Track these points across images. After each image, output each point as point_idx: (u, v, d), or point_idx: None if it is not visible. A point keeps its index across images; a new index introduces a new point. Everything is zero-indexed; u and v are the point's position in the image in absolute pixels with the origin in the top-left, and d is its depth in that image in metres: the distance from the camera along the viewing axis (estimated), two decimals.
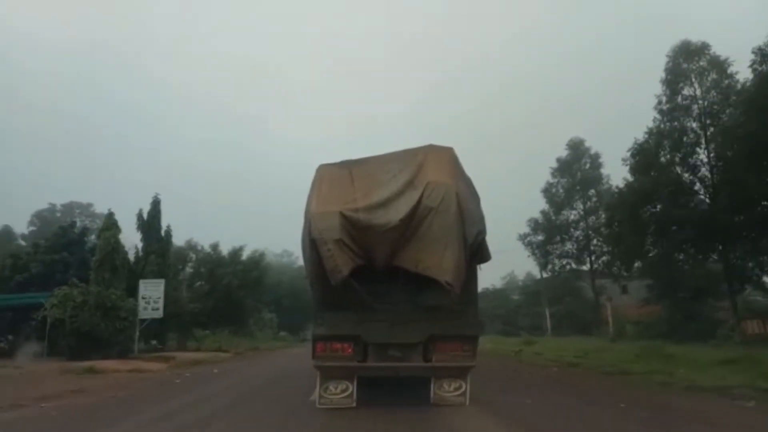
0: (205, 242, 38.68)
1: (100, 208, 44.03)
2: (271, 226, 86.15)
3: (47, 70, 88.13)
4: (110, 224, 20.81)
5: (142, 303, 19.85)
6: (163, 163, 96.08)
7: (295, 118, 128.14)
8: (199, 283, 37.37)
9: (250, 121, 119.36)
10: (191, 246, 37.88)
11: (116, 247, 20.13)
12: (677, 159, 21.94)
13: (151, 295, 20.02)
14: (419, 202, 6.13)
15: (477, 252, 6.54)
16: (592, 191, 34.81)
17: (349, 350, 6.51)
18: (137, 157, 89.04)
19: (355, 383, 6.56)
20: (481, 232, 6.53)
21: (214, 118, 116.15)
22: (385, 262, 6.24)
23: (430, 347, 6.57)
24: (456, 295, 5.95)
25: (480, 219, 6.73)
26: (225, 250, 38.25)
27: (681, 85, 23.34)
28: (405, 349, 6.64)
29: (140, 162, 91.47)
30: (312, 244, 6.11)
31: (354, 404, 6.50)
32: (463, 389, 6.62)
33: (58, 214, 45.92)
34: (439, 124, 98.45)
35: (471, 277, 6.65)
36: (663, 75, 23.44)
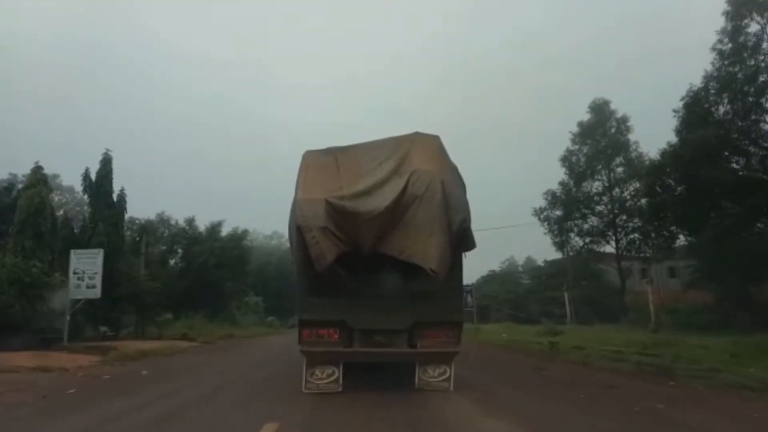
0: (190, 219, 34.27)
1: (68, 180, 39.29)
2: (260, 207, 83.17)
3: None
4: (36, 181, 16.50)
5: (73, 279, 15.53)
6: (156, 149, 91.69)
7: (296, 105, 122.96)
8: (173, 260, 33.39)
9: (248, 105, 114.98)
10: (163, 220, 33.52)
11: (41, 209, 15.77)
12: (747, 106, 17.79)
13: (86, 269, 15.48)
14: (404, 189, 6.12)
15: (462, 239, 6.40)
16: (618, 159, 30.33)
17: (335, 336, 6.51)
18: (127, 143, 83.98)
19: (341, 368, 6.60)
20: (466, 220, 6.35)
21: (217, 107, 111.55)
22: (370, 249, 6.12)
23: (415, 333, 6.57)
24: (440, 282, 5.95)
25: (465, 206, 6.52)
26: (203, 226, 34.23)
27: (746, 21, 19.23)
28: (390, 335, 6.56)
29: (132, 146, 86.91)
30: (297, 230, 6.00)
31: (340, 389, 6.53)
32: (447, 374, 6.68)
33: (20, 186, 41.25)
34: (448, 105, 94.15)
35: (456, 265, 6.58)
36: (725, 6, 19.30)
